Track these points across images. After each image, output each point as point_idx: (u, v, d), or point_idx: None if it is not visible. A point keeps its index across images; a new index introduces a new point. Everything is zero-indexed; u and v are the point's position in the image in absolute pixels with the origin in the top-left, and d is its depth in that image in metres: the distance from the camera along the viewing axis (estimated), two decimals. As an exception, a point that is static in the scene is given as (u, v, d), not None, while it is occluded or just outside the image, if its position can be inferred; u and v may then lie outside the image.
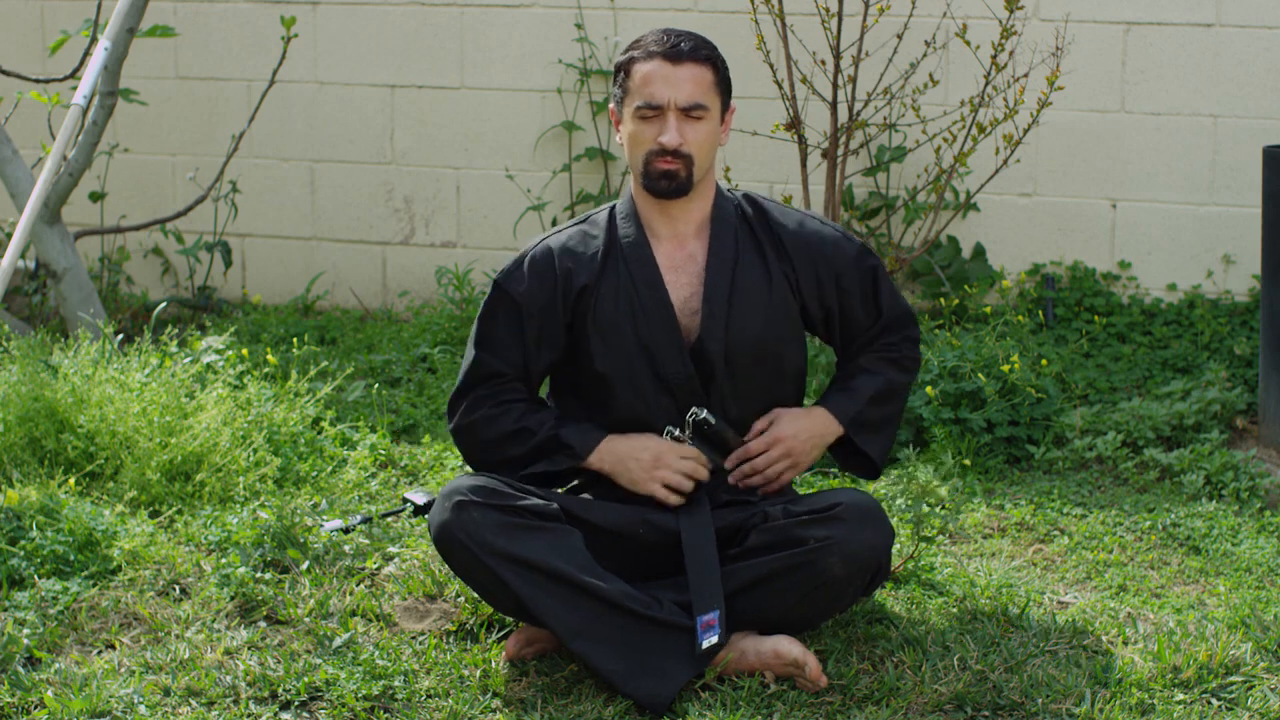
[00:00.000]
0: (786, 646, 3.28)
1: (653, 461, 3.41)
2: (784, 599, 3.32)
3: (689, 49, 3.41)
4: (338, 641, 3.42)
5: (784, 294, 3.49)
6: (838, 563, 3.30)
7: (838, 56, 5.04)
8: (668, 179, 3.40)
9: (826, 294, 3.52)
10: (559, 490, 3.53)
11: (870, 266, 3.55)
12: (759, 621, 3.33)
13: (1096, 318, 5.45)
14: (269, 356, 4.81)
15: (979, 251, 5.67)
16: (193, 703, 3.22)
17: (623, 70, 3.45)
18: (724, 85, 3.46)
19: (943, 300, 5.49)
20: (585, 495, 3.51)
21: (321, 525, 3.94)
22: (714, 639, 3.23)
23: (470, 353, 3.52)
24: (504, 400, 3.49)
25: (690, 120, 3.39)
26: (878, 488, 4.22)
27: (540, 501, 3.33)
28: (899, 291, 3.61)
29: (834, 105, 5.08)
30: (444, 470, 4.54)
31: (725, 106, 3.48)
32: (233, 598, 3.63)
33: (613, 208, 3.54)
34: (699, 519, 3.36)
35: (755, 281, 3.47)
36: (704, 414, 3.43)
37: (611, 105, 3.52)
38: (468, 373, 3.51)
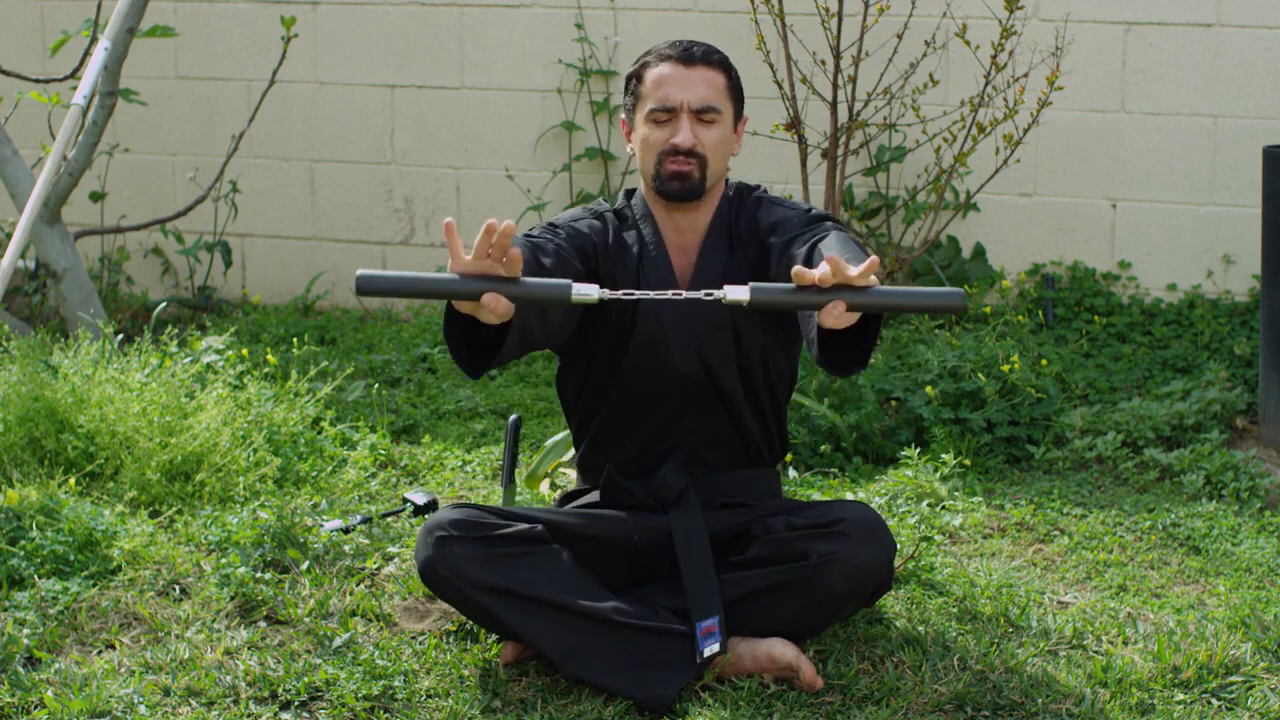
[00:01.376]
0: (781, 650, 3.27)
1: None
2: (784, 610, 3.31)
3: (701, 53, 3.41)
4: (338, 641, 3.42)
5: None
6: (840, 578, 3.29)
7: (838, 56, 5.04)
8: (680, 180, 3.39)
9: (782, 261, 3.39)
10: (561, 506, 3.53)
11: (820, 220, 3.38)
12: (758, 630, 3.33)
13: (1096, 318, 5.45)
14: (269, 356, 4.81)
15: (979, 251, 5.67)
16: (193, 703, 3.22)
17: (634, 78, 3.45)
18: (736, 92, 3.45)
19: (943, 300, 5.48)
20: (582, 508, 3.50)
21: (321, 525, 3.94)
22: (714, 646, 3.23)
23: None
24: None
25: (703, 123, 3.39)
26: (878, 489, 4.22)
27: (524, 526, 3.31)
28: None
29: (834, 105, 5.08)
30: (444, 470, 4.54)
31: (738, 115, 3.46)
32: (233, 598, 3.63)
33: (629, 204, 3.52)
34: (691, 524, 3.35)
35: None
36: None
37: (622, 116, 3.51)
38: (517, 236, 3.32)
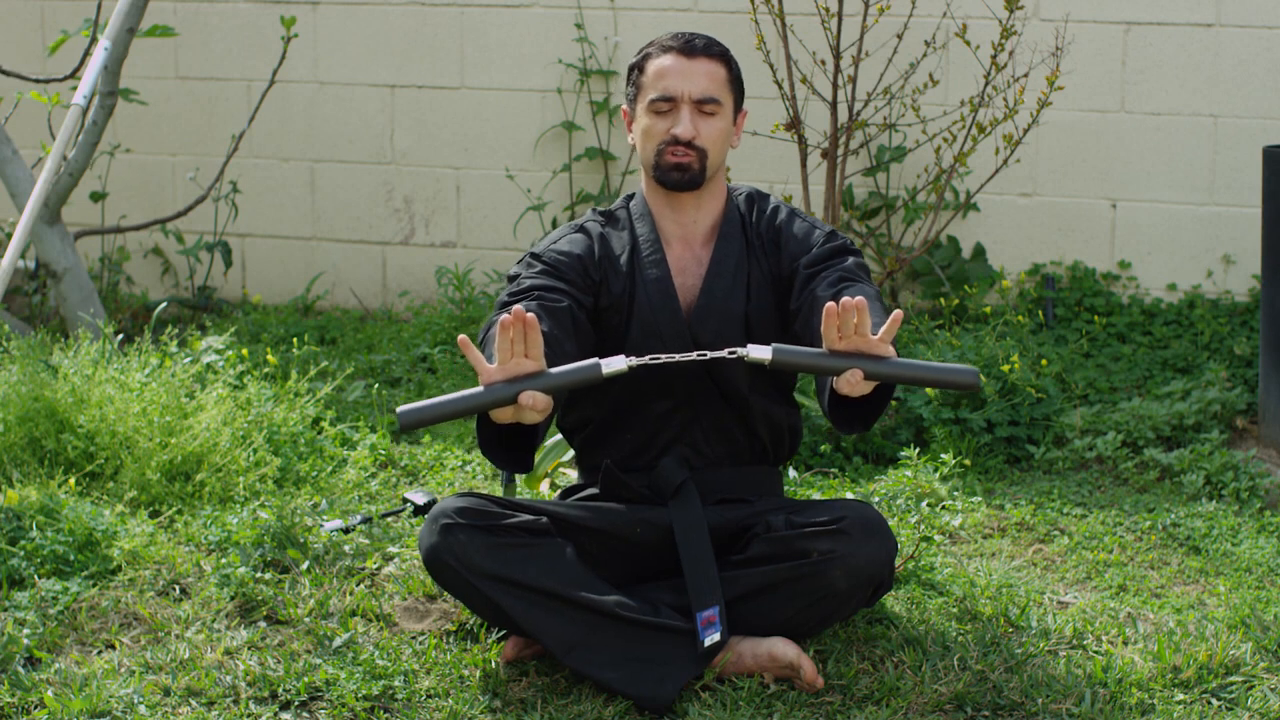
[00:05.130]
0: (782, 649, 3.28)
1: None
2: (785, 608, 3.32)
3: (703, 45, 3.45)
4: (338, 641, 3.42)
5: (770, 294, 3.49)
6: (841, 576, 3.29)
7: (838, 56, 5.04)
8: (679, 170, 3.41)
9: (793, 281, 3.47)
10: (558, 499, 3.53)
11: (841, 252, 3.45)
12: (759, 628, 3.33)
13: (1096, 318, 5.45)
14: (269, 356, 4.81)
15: (979, 251, 5.67)
16: (193, 703, 3.22)
17: (636, 69, 3.48)
18: (736, 85, 3.48)
19: (943, 300, 5.49)
20: (583, 501, 3.50)
21: (321, 525, 3.94)
22: (715, 635, 3.23)
23: (511, 284, 3.40)
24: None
25: (703, 115, 3.41)
26: (878, 489, 4.23)
27: (529, 517, 3.32)
28: (865, 271, 3.44)
29: (834, 105, 5.08)
30: (444, 470, 4.54)
31: (738, 107, 3.49)
32: (233, 598, 3.63)
33: (627, 206, 3.54)
34: (691, 516, 3.36)
35: (750, 288, 3.47)
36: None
37: (624, 106, 3.53)
38: (515, 286, 3.36)
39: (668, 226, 3.49)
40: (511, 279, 3.43)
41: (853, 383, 3.01)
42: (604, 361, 3.03)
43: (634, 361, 3.05)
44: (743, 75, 3.53)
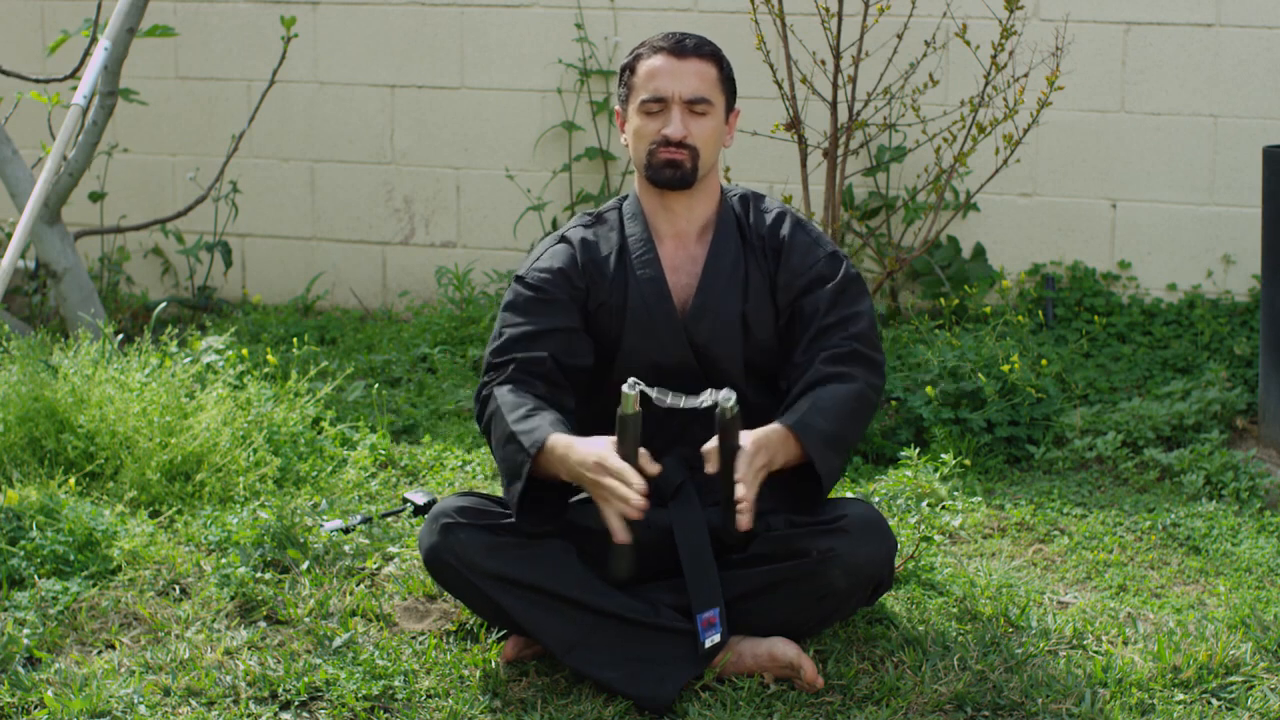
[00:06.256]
0: (782, 649, 3.28)
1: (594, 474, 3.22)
2: (785, 607, 3.32)
3: (693, 45, 3.44)
4: (338, 641, 3.42)
5: (767, 297, 3.48)
6: (840, 575, 3.29)
7: (838, 56, 5.04)
8: (672, 167, 3.41)
9: (794, 298, 3.48)
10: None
11: (846, 274, 3.47)
12: (759, 628, 3.33)
13: (1096, 318, 5.45)
14: (269, 356, 4.81)
15: (979, 251, 5.67)
16: (193, 703, 3.22)
17: (628, 69, 3.48)
18: (728, 84, 3.47)
19: (943, 300, 5.49)
20: (582, 501, 3.50)
21: (321, 525, 3.94)
22: (715, 637, 3.23)
23: (498, 327, 3.44)
24: (525, 384, 3.35)
25: (694, 115, 3.41)
26: (878, 489, 4.22)
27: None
28: (874, 325, 3.47)
29: (834, 105, 5.08)
30: (444, 470, 4.54)
31: (730, 107, 3.49)
32: (233, 598, 3.63)
33: (620, 206, 3.54)
34: (691, 517, 3.36)
35: (747, 287, 3.47)
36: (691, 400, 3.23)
37: (616, 106, 3.53)
38: (498, 342, 3.41)
39: (661, 226, 3.49)
40: (504, 308, 3.45)
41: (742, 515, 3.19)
42: (624, 391, 3.15)
43: (643, 390, 3.16)
44: (738, 75, 3.54)
